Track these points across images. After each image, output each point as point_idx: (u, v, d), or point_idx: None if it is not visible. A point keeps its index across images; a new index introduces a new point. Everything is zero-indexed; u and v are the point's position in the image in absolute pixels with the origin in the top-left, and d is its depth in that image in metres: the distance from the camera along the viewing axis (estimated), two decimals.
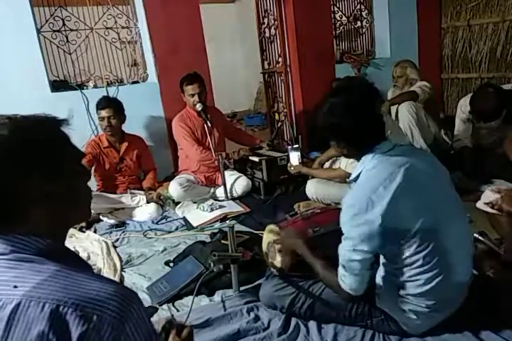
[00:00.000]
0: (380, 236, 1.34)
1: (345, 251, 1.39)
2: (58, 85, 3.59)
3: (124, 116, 3.34)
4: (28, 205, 0.74)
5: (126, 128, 3.42)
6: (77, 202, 0.83)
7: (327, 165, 3.25)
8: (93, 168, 3.34)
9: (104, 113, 3.25)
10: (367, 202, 1.33)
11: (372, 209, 1.32)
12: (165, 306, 1.98)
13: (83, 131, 3.47)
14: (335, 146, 1.52)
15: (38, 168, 0.75)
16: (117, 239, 2.82)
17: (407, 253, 1.39)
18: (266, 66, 4.58)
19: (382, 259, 1.50)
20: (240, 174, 3.50)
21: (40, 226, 0.75)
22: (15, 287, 0.69)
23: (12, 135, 0.74)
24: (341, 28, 4.77)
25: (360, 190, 1.41)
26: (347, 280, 1.40)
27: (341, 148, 1.50)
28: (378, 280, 1.53)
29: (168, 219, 3.12)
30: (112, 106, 3.27)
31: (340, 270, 1.41)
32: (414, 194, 1.37)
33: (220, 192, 3.39)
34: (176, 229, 2.95)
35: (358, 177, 1.45)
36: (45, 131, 0.78)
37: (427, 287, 1.42)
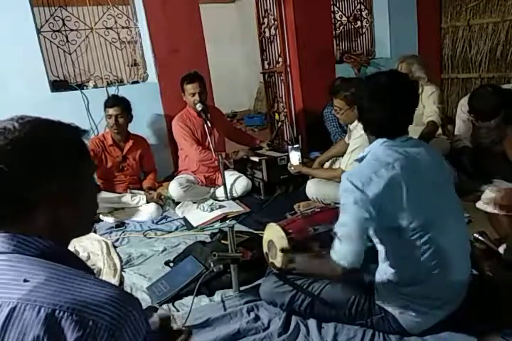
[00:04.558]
0: (374, 210, 1.34)
1: (342, 219, 1.38)
2: (58, 85, 3.59)
3: (131, 115, 3.36)
4: (38, 206, 0.74)
5: None
6: (83, 212, 0.82)
7: (327, 165, 3.25)
8: None
9: (111, 111, 3.26)
10: (366, 179, 1.35)
11: (368, 186, 1.34)
12: (165, 306, 1.98)
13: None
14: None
15: (56, 171, 0.75)
16: (117, 239, 2.82)
17: (403, 242, 1.40)
18: (266, 66, 4.58)
19: (380, 255, 1.50)
20: (240, 174, 3.50)
21: (44, 229, 0.75)
22: (25, 281, 0.68)
23: (35, 136, 0.74)
24: (341, 28, 4.77)
25: (362, 167, 1.43)
26: (342, 250, 1.37)
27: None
28: (377, 277, 1.54)
29: (168, 219, 3.12)
30: (120, 104, 3.28)
31: (336, 243, 1.39)
32: (413, 184, 1.38)
33: (220, 192, 3.39)
34: (176, 229, 2.95)
35: (362, 159, 1.47)
36: (68, 138, 0.79)
37: (425, 283, 1.43)
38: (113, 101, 3.31)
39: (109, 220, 3.12)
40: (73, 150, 0.79)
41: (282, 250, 1.79)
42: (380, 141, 1.45)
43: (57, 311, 0.65)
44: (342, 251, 1.38)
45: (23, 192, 0.73)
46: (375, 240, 1.47)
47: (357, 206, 1.35)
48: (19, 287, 0.68)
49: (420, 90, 3.52)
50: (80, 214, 0.81)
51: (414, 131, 3.33)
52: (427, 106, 3.45)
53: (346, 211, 1.38)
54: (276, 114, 4.63)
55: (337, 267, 1.39)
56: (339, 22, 4.74)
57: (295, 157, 3.22)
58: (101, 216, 3.15)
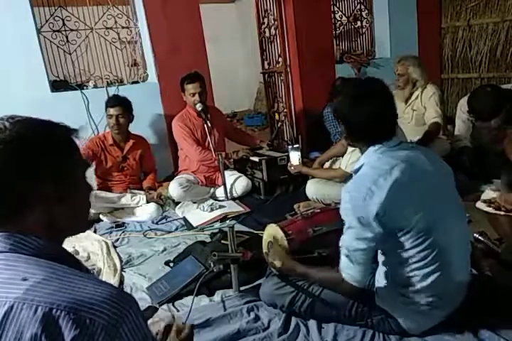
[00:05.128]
0: (379, 226, 1.34)
1: (348, 241, 1.38)
2: (58, 85, 3.59)
3: (132, 115, 3.36)
4: (31, 205, 0.74)
5: None
6: (76, 211, 0.82)
7: (327, 165, 3.25)
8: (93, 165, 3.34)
9: (112, 111, 3.27)
10: (366, 192, 1.34)
11: (370, 199, 1.34)
12: (165, 306, 1.98)
13: (83, 130, 3.47)
14: (344, 136, 1.55)
15: (48, 170, 0.75)
16: (117, 239, 2.82)
17: (404, 247, 1.40)
18: (266, 66, 4.58)
19: (380, 257, 1.50)
20: (240, 174, 3.50)
21: (39, 227, 0.75)
22: (24, 279, 0.68)
23: (26, 134, 0.74)
24: (341, 28, 4.78)
25: (360, 180, 1.42)
26: (351, 271, 1.39)
27: (348, 138, 1.52)
28: (378, 278, 1.54)
29: (168, 219, 3.12)
30: (122, 104, 3.29)
31: (344, 262, 1.40)
32: (413, 189, 1.38)
33: (220, 192, 3.39)
34: (176, 229, 2.95)
35: (359, 169, 1.47)
36: (59, 136, 0.79)
37: (425, 283, 1.43)
38: (114, 101, 3.32)
39: (109, 220, 3.12)
40: (64, 149, 0.79)
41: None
42: (373, 148, 1.44)
43: (54, 310, 0.65)
44: (352, 272, 1.39)
45: (17, 191, 0.73)
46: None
47: (362, 225, 1.34)
48: (16, 286, 0.68)
49: (418, 91, 3.52)
50: (74, 213, 0.81)
51: (415, 131, 3.35)
52: (429, 108, 3.45)
53: (351, 232, 1.38)
54: (276, 114, 4.63)
55: (348, 287, 1.41)
56: (339, 22, 4.75)
57: (295, 157, 3.22)
58: (101, 216, 3.15)
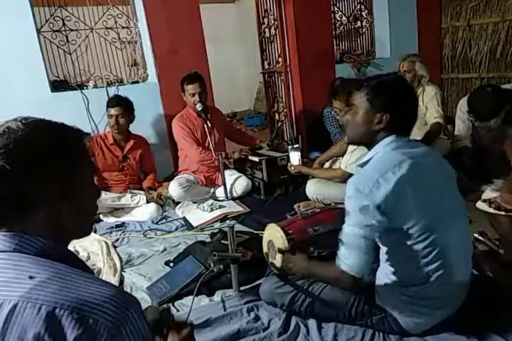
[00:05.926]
0: (382, 216, 1.34)
1: (349, 227, 1.38)
2: (58, 85, 3.59)
3: (133, 115, 3.36)
4: (36, 205, 0.75)
5: None
6: (80, 212, 0.82)
7: (327, 165, 3.24)
8: None
9: (113, 111, 3.27)
10: (373, 184, 1.34)
11: (377, 191, 1.33)
12: (165, 306, 1.98)
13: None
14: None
15: (56, 172, 0.76)
16: (117, 239, 2.82)
17: (406, 244, 1.40)
18: (266, 66, 4.58)
19: (382, 255, 1.50)
20: (240, 174, 3.50)
21: (44, 228, 0.76)
22: (31, 277, 0.69)
23: (37, 136, 0.75)
24: (341, 28, 4.77)
25: (368, 172, 1.42)
26: (349, 260, 1.37)
27: (378, 118, 1.44)
28: (378, 277, 1.54)
29: (168, 219, 3.12)
30: (122, 105, 3.29)
31: (343, 250, 1.39)
32: (419, 186, 1.38)
33: (220, 192, 3.39)
34: (176, 229, 2.95)
35: (367, 162, 1.47)
36: (70, 139, 0.80)
37: (427, 284, 1.42)
38: (115, 101, 3.32)
39: (109, 220, 3.12)
40: (74, 152, 0.80)
41: (280, 251, 1.80)
42: (385, 142, 1.44)
43: (57, 309, 0.66)
44: (351, 262, 1.37)
45: (25, 192, 0.73)
46: (377, 240, 1.47)
47: (364, 213, 1.34)
48: (20, 285, 0.69)
49: (421, 89, 3.54)
50: (79, 215, 0.82)
51: (415, 130, 3.35)
52: (431, 108, 3.46)
53: (352, 219, 1.37)
54: (276, 114, 4.63)
55: (347, 278, 1.39)
56: (339, 22, 4.75)
57: (295, 157, 3.22)
58: (101, 216, 3.15)
